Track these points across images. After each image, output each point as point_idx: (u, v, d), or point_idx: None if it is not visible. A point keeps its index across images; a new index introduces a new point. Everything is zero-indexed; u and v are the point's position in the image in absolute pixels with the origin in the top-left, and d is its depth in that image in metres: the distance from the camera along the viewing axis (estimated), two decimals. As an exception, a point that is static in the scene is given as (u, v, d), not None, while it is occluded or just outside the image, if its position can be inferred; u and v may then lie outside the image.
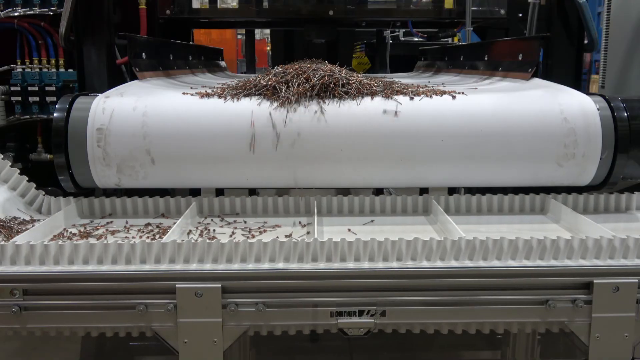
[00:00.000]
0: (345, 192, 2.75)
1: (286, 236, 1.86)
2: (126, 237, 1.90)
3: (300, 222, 2.05)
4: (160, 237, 1.84)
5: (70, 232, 1.94)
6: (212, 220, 2.10)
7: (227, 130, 1.94)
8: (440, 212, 2.03)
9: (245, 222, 2.07)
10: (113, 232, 1.96)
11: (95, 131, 1.92)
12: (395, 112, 1.94)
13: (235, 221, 2.08)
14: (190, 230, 1.96)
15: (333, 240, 1.66)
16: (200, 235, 1.92)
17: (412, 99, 2.00)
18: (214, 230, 1.98)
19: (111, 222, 2.07)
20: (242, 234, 1.93)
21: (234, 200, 2.17)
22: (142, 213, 2.16)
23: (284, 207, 2.17)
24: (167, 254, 1.65)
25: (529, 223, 2.10)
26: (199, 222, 2.07)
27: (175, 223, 1.90)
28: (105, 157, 1.94)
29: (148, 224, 2.03)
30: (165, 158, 1.95)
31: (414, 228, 2.02)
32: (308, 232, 1.95)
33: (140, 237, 1.90)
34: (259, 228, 1.99)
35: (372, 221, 2.08)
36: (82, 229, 1.97)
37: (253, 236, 1.91)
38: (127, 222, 2.05)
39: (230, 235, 1.91)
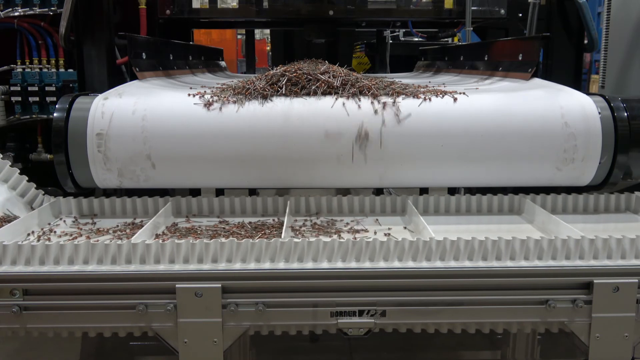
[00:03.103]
0: (345, 192, 2.75)
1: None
2: None
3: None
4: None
5: None
6: (63, 221, 2.07)
7: (226, 133, 1.93)
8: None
9: (94, 223, 2.06)
10: None
11: (95, 136, 1.92)
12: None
13: (87, 223, 2.05)
14: (32, 231, 1.94)
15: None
16: (38, 238, 1.87)
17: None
18: (55, 232, 1.94)
19: None
20: (87, 236, 1.90)
21: (92, 202, 2.15)
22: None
23: (143, 208, 2.15)
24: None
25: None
26: (49, 223, 2.05)
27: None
28: (106, 162, 1.94)
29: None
30: (166, 162, 1.95)
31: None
32: (156, 235, 1.92)
33: None
34: (109, 229, 1.97)
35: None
36: None
37: (87, 238, 1.87)
38: None
39: (72, 237, 1.88)
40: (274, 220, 2.06)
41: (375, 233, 1.94)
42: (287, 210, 2.02)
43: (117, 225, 2.02)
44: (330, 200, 2.15)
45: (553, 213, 2.05)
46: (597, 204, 2.18)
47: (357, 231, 1.96)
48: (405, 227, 2.02)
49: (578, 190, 2.17)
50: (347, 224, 2.03)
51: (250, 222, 2.02)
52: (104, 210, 2.16)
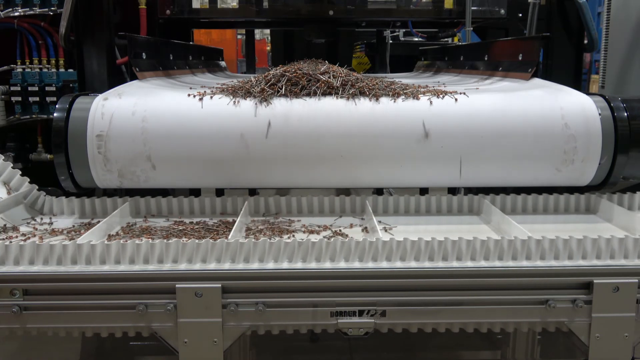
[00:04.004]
0: (346, 192, 2.75)
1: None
2: None
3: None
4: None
5: None
6: (26, 223, 2.05)
7: (227, 133, 1.93)
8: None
9: (51, 223, 2.04)
10: None
11: (95, 137, 1.92)
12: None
13: (44, 223, 2.03)
14: None
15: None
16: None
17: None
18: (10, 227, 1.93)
19: None
20: (40, 237, 1.89)
21: (52, 201, 2.14)
22: None
23: (102, 208, 2.13)
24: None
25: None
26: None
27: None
28: (106, 163, 1.94)
29: None
30: (166, 163, 1.95)
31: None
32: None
33: None
34: (63, 230, 1.95)
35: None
36: None
37: (41, 238, 1.86)
38: None
39: (25, 237, 1.86)
40: (234, 220, 2.03)
41: (330, 234, 1.93)
42: (242, 211, 2.02)
43: (73, 226, 2.01)
44: (290, 201, 2.15)
45: (512, 214, 2.07)
46: (557, 204, 2.18)
47: (312, 232, 1.95)
48: (362, 228, 2.01)
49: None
50: (304, 225, 2.02)
51: (207, 222, 2.03)
52: (62, 210, 2.15)
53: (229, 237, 1.74)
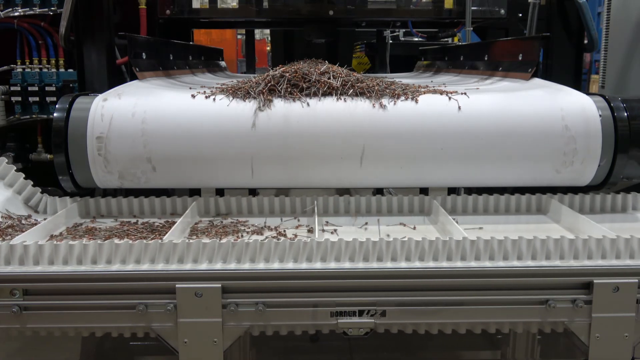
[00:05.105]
0: (346, 192, 2.76)
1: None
2: None
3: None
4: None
5: None
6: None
7: (227, 135, 1.93)
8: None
9: (20, 222, 2.03)
10: None
11: (95, 139, 1.92)
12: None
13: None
14: None
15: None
16: None
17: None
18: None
19: None
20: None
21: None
22: None
23: (52, 208, 2.13)
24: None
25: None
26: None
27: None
28: (106, 165, 1.94)
29: None
30: (166, 165, 1.95)
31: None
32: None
33: None
34: (6, 228, 1.92)
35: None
36: None
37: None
38: None
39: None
40: None
41: (273, 234, 1.93)
42: (187, 211, 2.01)
43: (15, 225, 1.99)
44: (240, 201, 2.15)
45: (463, 214, 2.11)
46: (508, 205, 2.18)
47: (255, 232, 1.94)
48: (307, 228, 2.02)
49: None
50: (252, 225, 2.02)
51: (154, 223, 2.03)
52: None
53: (164, 238, 1.73)
